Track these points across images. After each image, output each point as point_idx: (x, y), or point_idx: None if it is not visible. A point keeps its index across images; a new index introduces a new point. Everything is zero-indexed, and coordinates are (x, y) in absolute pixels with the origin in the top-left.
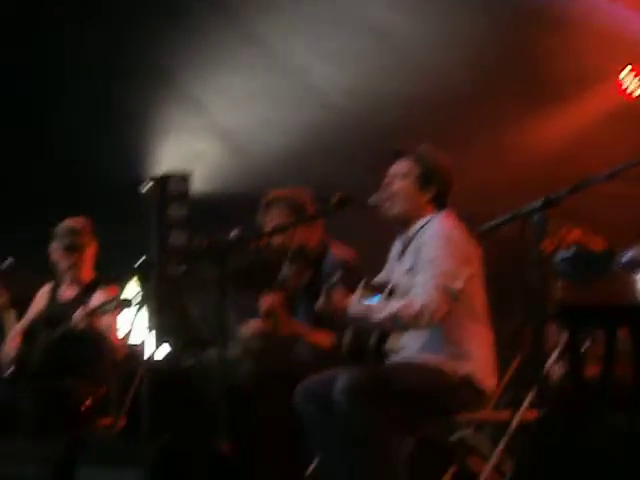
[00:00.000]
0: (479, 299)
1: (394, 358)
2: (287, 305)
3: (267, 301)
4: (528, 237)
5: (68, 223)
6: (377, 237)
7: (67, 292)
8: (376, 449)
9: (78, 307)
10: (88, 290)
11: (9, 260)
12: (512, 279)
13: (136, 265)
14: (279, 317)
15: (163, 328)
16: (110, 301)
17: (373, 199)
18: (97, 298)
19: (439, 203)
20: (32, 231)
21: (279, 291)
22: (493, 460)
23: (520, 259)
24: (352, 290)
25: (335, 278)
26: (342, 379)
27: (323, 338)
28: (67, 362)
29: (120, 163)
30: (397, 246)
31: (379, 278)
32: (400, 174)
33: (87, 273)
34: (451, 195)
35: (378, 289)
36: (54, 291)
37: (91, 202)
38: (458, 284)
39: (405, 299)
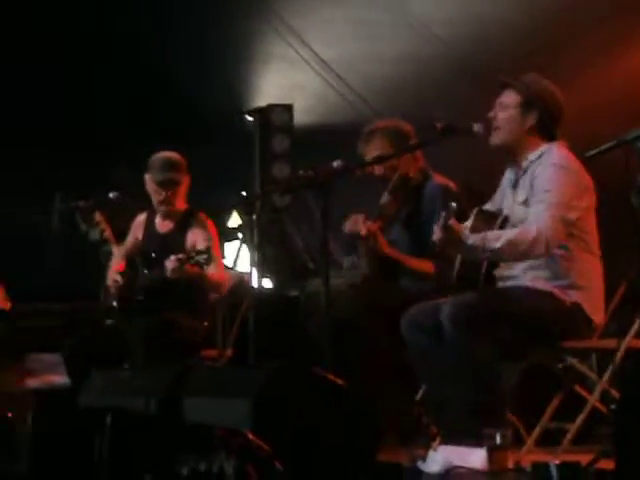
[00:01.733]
0: (592, 231)
1: (504, 284)
2: (384, 234)
3: (365, 226)
4: (633, 164)
5: (162, 156)
6: (480, 166)
7: (162, 224)
8: (484, 376)
9: (174, 242)
10: (182, 224)
11: (114, 193)
12: (617, 206)
13: (239, 197)
14: (378, 241)
15: (267, 260)
16: (201, 252)
17: (478, 127)
18: (192, 236)
19: (545, 132)
20: (134, 159)
21: (378, 219)
22: (599, 389)
23: (625, 186)
24: (459, 219)
25: (450, 209)
26: (450, 305)
27: (425, 265)
28: (169, 300)
29: (222, 94)
30: (508, 176)
31: (489, 206)
32: (503, 104)
33: (180, 205)
34: (561, 124)
35: (490, 218)
36: (150, 221)
37: (195, 132)
38: (573, 215)
39: (520, 227)
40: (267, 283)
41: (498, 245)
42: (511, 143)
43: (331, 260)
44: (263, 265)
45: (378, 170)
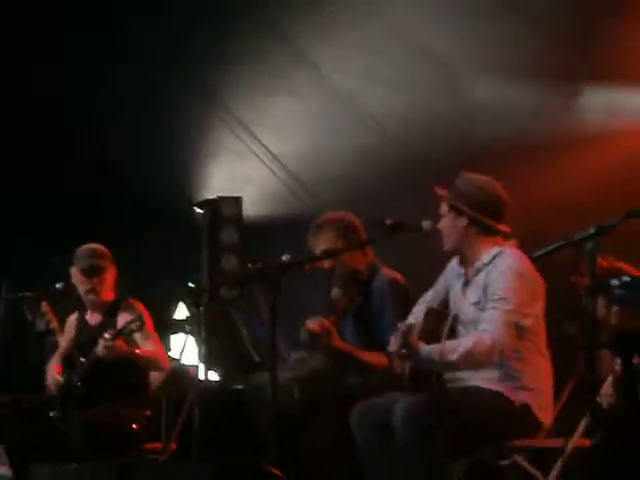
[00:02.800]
0: (542, 333)
1: (454, 385)
2: (337, 328)
3: (319, 323)
4: (580, 265)
5: (86, 247)
6: (422, 260)
7: (92, 317)
8: (434, 476)
9: (104, 330)
10: (111, 312)
11: (61, 284)
12: (565, 306)
13: (186, 289)
14: (332, 336)
15: (214, 352)
16: (131, 321)
17: (427, 225)
18: (122, 319)
19: (484, 230)
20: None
21: (331, 314)
22: None
23: (572, 286)
24: (406, 314)
25: (406, 326)
26: (402, 408)
27: (375, 358)
28: (107, 388)
29: (170, 186)
30: (455, 268)
31: (431, 295)
32: (441, 213)
33: (108, 295)
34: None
35: (440, 317)
36: (81, 317)
37: (141, 225)
38: (527, 322)
39: (474, 335)
40: (213, 376)
41: (454, 358)
42: (457, 247)
43: (277, 354)
44: (209, 358)
45: (327, 264)
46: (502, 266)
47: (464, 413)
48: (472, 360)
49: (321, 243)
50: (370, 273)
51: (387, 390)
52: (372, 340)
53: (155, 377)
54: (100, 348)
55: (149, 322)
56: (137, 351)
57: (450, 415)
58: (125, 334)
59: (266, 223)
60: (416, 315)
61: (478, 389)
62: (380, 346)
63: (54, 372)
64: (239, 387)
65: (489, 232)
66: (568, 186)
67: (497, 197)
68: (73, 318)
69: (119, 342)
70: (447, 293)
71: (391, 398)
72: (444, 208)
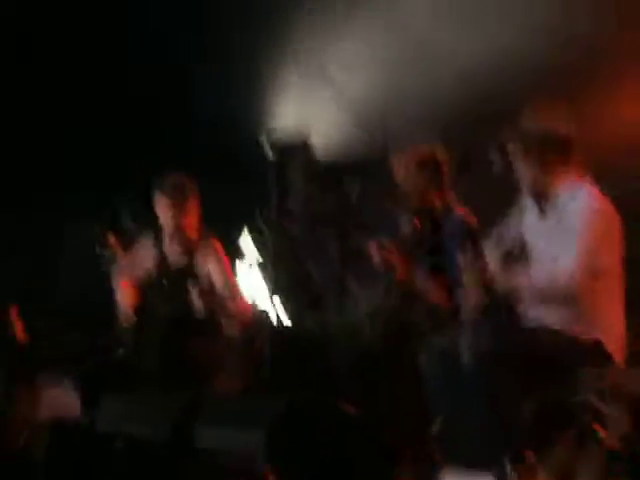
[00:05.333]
0: (619, 276)
1: (527, 323)
2: (407, 261)
3: (391, 255)
4: None
5: (175, 178)
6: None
7: (174, 252)
8: (504, 410)
9: (187, 271)
10: (194, 252)
11: (133, 223)
12: None
13: (254, 222)
14: (402, 272)
15: (282, 289)
16: (226, 285)
17: (497, 168)
18: (205, 263)
19: (554, 163)
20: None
21: (401, 249)
22: (618, 428)
23: None
24: (477, 256)
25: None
26: (471, 337)
27: (443, 297)
28: (188, 330)
29: (240, 121)
30: (528, 204)
31: (501, 232)
32: (510, 151)
33: (191, 232)
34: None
35: (513, 258)
36: (159, 247)
37: (210, 159)
38: (601, 263)
39: (548, 271)
40: (281, 313)
41: (527, 291)
42: (530, 184)
43: (348, 292)
44: (280, 293)
45: (403, 196)
46: (580, 202)
47: (534, 348)
48: (545, 296)
49: (400, 176)
50: (445, 211)
51: (455, 327)
52: (441, 280)
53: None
54: (195, 303)
55: (229, 272)
56: (228, 309)
57: (520, 349)
58: (217, 297)
59: (335, 167)
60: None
61: (550, 326)
62: (448, 287)
63: (126, 301)
64: (310, 326)
65: (562, 166)
66: None
67: (566, 132)
68: (149, 244)
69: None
70: (519, 231)
71: (459, 333)
72: (512, 147)
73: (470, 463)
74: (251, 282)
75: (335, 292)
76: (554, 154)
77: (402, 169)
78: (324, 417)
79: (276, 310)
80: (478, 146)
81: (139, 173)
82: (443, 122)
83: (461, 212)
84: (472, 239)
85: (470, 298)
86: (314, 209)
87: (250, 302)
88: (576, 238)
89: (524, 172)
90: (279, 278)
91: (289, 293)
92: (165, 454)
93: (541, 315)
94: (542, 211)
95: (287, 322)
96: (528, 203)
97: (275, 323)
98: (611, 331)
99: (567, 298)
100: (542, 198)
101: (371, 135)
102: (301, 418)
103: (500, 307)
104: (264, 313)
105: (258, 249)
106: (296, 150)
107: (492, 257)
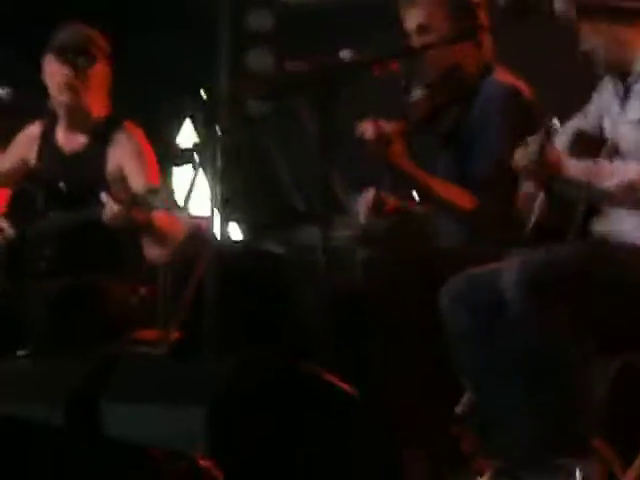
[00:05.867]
0: None
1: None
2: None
3: (381, 126)
4: None
5: (72, 25)
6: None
7: (68, 138)
8: (564, 377)
9: (88, 164)
10: (99, 137)
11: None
12: None
13: (196, 100)
14: (394, 149)
15: (237, 196)
16: (153, 191)
17: (562, 6)
18: (116, 154)
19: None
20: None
21: (402, 120)
22: None
23: None
24: (530, 134)
25: (548, 126)
26: (517, 267)
27: (462, 198)
28: (90, 256)
29: None
30: (609, 86)
31: (577, 124)
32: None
33: (97, 109)
34: None
35: (593, 144)
36: (48, 134)
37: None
38: None
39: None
40: (235, 231)
41: (612, 183)
42: (605, 53)
43: (334, 200)
44: (230, 204)
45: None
46: None
47: (613, 281)
48: (636, 195)
49: (415, 18)
50: (479, 74)
51: (494, 255)
52: (467, 176)
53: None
54: (107, 214)
55: (154, 169)
56: (156, 224)
57: (591, 282)
58: (142, 205)
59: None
60: (558, 142)
61: (636, 248)
62: (474, 181)
63: None
64: (275, 250)
65: None
66: None
67: None
68: (35, 131)
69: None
70: (601, 120)
71: (498, 266)
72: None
73: (513, 463)
74: (189, 188)
75: (317, 201)
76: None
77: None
78: (290, 388)
79: (226, 229)
80: None
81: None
82: None
83: (503, 77)
84: (523, 113)
85: (523, 199)
86: (288, 69)
87: (186, 217)
88: None
89: (591, 36)
90: (232, 183)
91: (247, 201)
92: (58, 442)
93: (625, 225)
94: (625, 95)
95: (241, 247)
96: (605, 83)
97: (224, 248)
98: None
99: None
100: (624, 73)
101: None
102: (256, 389)
103: (571, 220)
104: (207, 233)
105: (201, 137)
106: None
107: (560, 142)
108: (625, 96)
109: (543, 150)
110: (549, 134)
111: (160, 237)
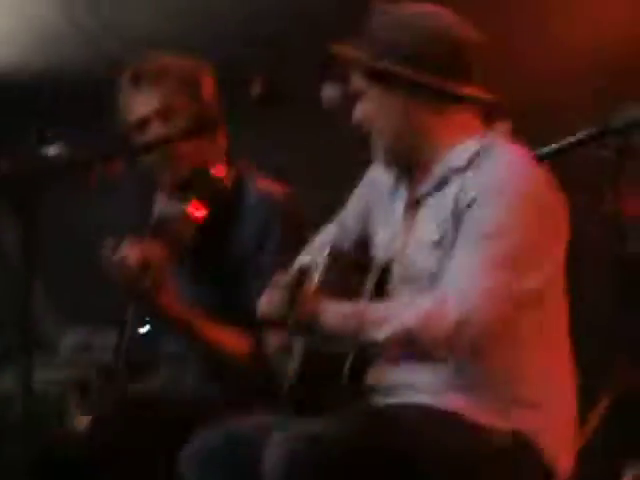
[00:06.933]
0: (559, 305)
1: (385, 399)
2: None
3: (141, 249)
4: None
5: None
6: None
7: None
8: None
9: None
10: None
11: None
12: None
13: None
14: (159, 277)
15: None
16: None
17: (330, 96)
18: None
19: (439, 100)
20: None
21: (159, 238)
22: None
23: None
24: (293, 255)
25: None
26: (279, 450)
27: (233, 339)
28: None
29: None
30: (386, 187)
31: (333, 234)
32: (355, 87)
33: None
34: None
35: (357, 267)
36: None
37: None
38: (533, 281)
39: (426, 299)
40: None
41: (385, 335)
42: (396, 143)
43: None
44: None
45: (150, 153)
46: (489, 175)
47: (407, 459)
48: (416, 344)
49: (142, 107)
50: (235, 185)
51: (252, 407)
52: (232, 309)
53: None
54: None
55: None
56: None
57: (380, 463)
58: None
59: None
60: (309, 259)
61: (432, 412)
62: (244, 317)
63: None
64: None
65: (452, 106)
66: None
67: (454, 40)
68: None
69: None
70: (367, 227)
71: (259, 425)
72: (357, 79)
73: None
74: None
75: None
76: (441, 78)
77: (124, 91)
78: None
79: None
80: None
81: None
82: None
83: (264, 186)
84: (287, 228)
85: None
86: None
87: None
88: (483, 240)
89: (384, 121)
90: None
91: None
92: None
93: (413, 379)
94: (414, 202)
95: None
96: (386, 191)
97: None
98: (548, 407)
99: (459, 347)
100: (414, 174)
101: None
102: None
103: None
104: None
105: None
106: None
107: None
108: (413, 206)
109: (295, 297)
110: (301, 275)
111: None
